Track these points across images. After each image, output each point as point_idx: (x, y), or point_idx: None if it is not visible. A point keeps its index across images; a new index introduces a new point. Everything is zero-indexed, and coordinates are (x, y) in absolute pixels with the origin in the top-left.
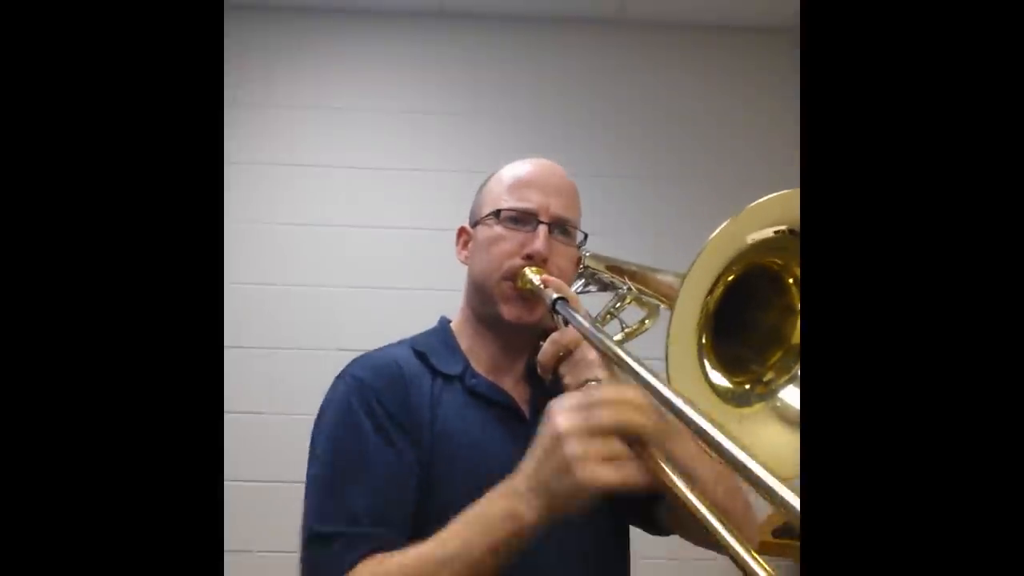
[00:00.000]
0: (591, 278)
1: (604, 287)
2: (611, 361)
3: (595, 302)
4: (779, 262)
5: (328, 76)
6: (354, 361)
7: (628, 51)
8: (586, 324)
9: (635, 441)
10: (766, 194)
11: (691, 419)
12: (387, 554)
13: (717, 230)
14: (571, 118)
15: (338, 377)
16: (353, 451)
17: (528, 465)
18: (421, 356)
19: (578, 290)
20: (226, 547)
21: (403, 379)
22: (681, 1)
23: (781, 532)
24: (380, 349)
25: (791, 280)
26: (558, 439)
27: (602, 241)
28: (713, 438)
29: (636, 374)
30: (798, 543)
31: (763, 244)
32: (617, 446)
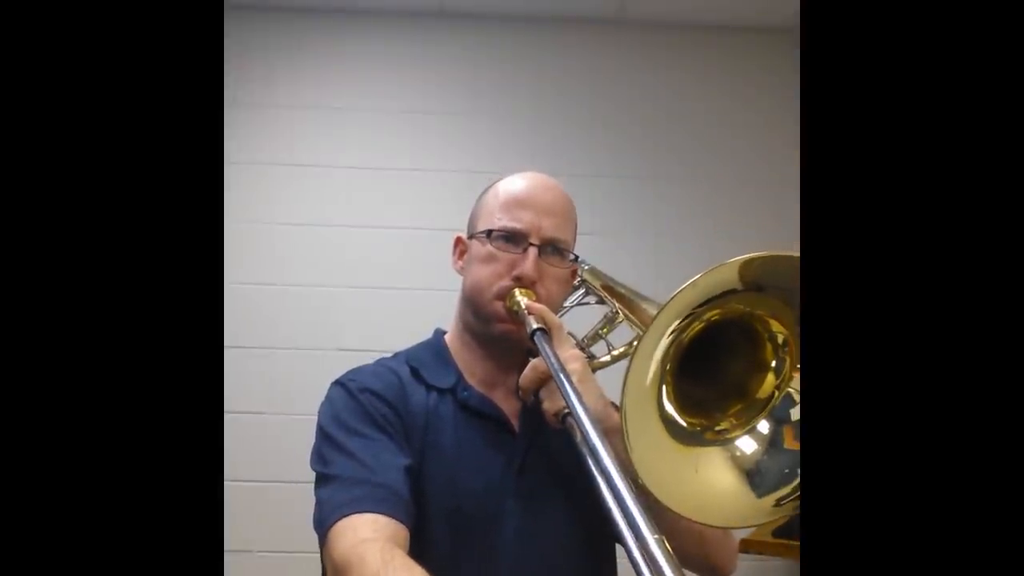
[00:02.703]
0: (590, 290)
1: (601, 300)
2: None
3: (595, 313)
4: (755, 314)
5: (328, 76)
6: (350, 371)
7: (628, 51)
8: (554, 363)
9: None
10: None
11: (623, 498)
12: (387, 546)
13: (686, 283)
14: (571, 118)
15: (334, 383)
16: (358, 424)
17: None
18: (415, 372)
19: (577, 300)
20: (226, 547)
21: (402, 385)
22: (681, 1)
23: (781, 532)
24: (374, 362)
25: (767, 336)
26: None
27: (602, 241)
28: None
29: (584, 429)
30: (798, 543)
31: (742, 298)
32: None
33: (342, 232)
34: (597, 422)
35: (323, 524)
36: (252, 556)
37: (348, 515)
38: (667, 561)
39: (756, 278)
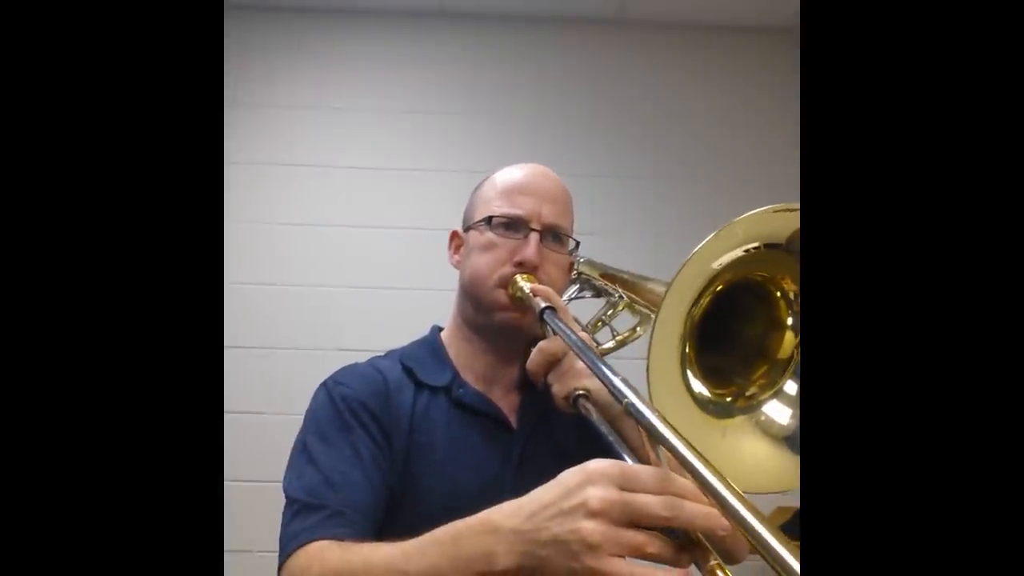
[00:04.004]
0: (585, 284)
1: (598, 293)
2: (593, 374)
3: (589, 307)
4: (769, 276)
5: (328, 76)
6: (338, 371)
7: (628, 51)
8: (571, 335)
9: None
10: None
11: (676, 448)
12: (336, 543)
13: (702, 243)
14: (571, 118)
15: (322, 384)
16: (334, 435)
17: (527, 507)
18: (408, 370)
19: (572, 295)
20: (226, 547)
21: (386, 388)
22: (681, 1)
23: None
24: (366, 361)
25: (779, 294)
26: (581, 507)
27: (602, 241)
28: (706, 479)
29: (616, 389)
30: (798, 543)
31: (750, 259)
32: (647, 543)
33: (342, 232)
34: (632, 386)
35: (281, 552)
36: (252, 556)
37: (303, 544)
38: (764, 524)
39: (758, 236)
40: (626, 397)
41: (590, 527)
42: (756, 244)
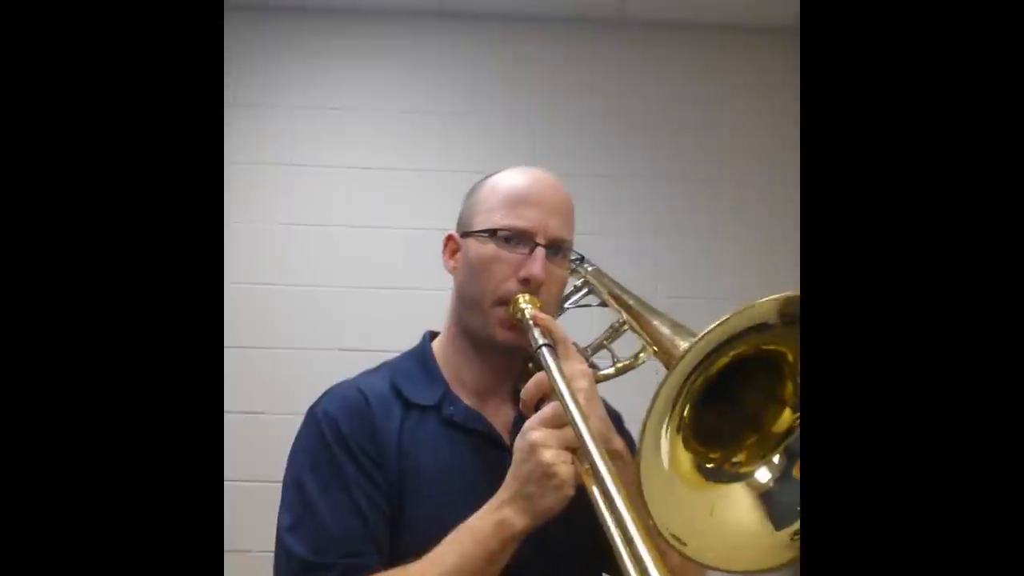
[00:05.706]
0: (593, 292)
1: (604, 303)
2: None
3: (586, 314)
4: (782, 351)
5: (328, 76)
6: (326, 393)
7: (628, 51)
8: (561, 385)
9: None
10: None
11: (621, 515)
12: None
13: (716, 322)
14: (571, 118)
15: (310, 410)
16: (328, 477)
17: (510, 478)
18: (395, 388)
19: (576, 301)
20: (226, 547)
21: (370, 414)
22: (681, 1)
23: None
24: (356, 377)
25: (788, 371)
26: (533, 449)
27: (602, 241)
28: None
29: (591, 457)
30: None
31: (780, 334)
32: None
33: (342, 232)
34: (608, 459)
35: None
36: (252, 556)
37: None
38: None
39: (791, 313)
40: (601, 473)
41: (546, 455)
42: (789, 319)
